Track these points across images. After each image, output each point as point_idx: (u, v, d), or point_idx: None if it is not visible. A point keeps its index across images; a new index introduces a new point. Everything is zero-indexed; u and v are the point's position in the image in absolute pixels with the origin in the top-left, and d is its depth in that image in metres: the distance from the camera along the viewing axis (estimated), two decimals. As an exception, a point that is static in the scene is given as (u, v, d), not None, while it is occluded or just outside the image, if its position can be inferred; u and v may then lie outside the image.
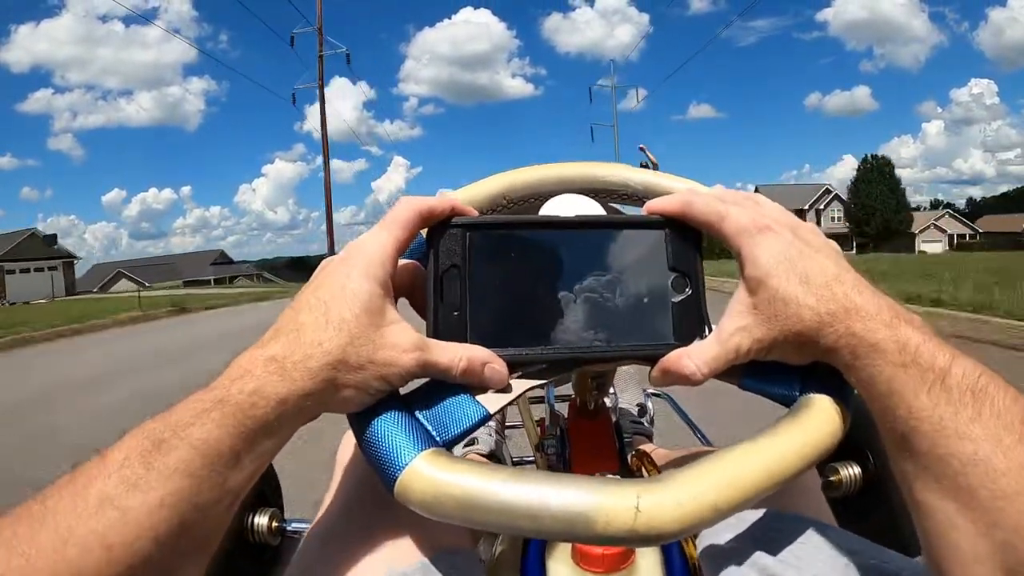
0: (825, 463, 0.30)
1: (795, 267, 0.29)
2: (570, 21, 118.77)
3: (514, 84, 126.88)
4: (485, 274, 0.31)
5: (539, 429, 0.74)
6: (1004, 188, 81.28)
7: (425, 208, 0.31)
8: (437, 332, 0.30)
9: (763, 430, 0.29)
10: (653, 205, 0.33)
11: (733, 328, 0.30)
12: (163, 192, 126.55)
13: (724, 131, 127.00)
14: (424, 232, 0.32)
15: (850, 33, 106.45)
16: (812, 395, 0.30)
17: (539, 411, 0.82)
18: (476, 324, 0.31)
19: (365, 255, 0.30)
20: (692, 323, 0.32)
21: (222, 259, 52.80)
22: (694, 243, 0.33)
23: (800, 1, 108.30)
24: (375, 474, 0.28)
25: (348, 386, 0.28)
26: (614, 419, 0.56)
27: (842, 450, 0.31)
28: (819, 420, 0.29)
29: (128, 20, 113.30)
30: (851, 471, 0.33)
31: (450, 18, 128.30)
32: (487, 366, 0.30)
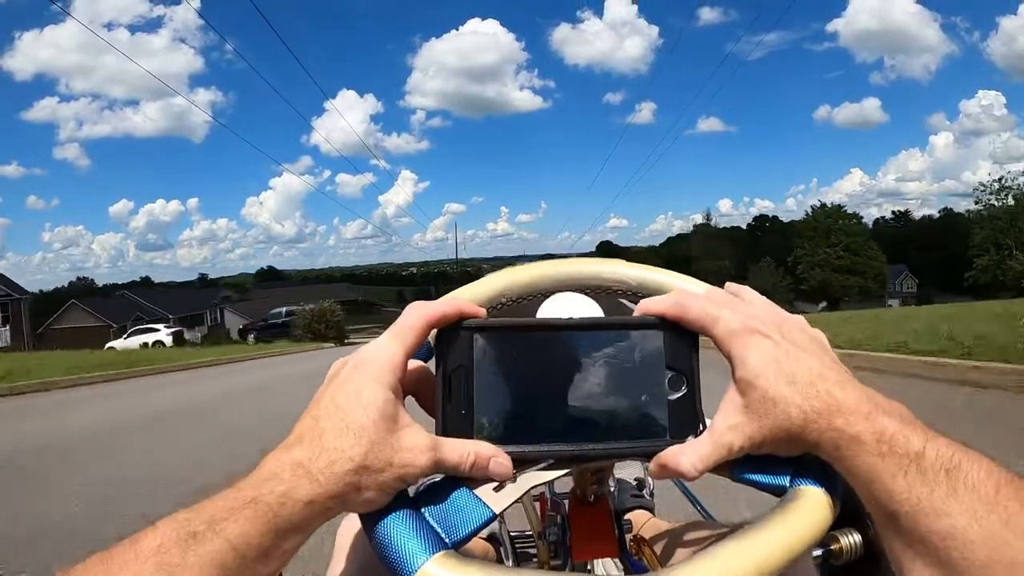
0: (826, 532, 0.31)
1: (782, 368, 0.31)
2: (579, 32, 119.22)
3: (522, 97, 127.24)
4: (490, 374, 0.33)
5: (539, 516, 0.77)
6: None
7: (435, 315, 0.33)
8: (445, 430, 0.32)
9: (755, 522, 0.31)
10: (648, 307, 0.34)
11: (725, 427, 0.32)
12: (170, 204, 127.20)
13: (733, 144, 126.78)
14: (432, 335, 0.34)
15: (860, 44, 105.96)
16: (801, 486, 0.32)
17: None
18: (482, 422, 0.32)
19: (377, 362, 0.32)
20: (688, 420, 0.33)
21: None
22: (690, 343, 0.34)
23: (810, 13, 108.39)
24: (381, 567, 0.30)
25: (370, 488, 0.30)
26: (612, 506, 0.59)
27: (842, 517, 0.32)
28: (807, 511, 0.31)
29: (133, 28, 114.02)
30: (852, 539, 0.33)
31: (457, 29, 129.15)
32: (493, 460, 0.32)
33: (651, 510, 0.85)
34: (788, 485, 0.33)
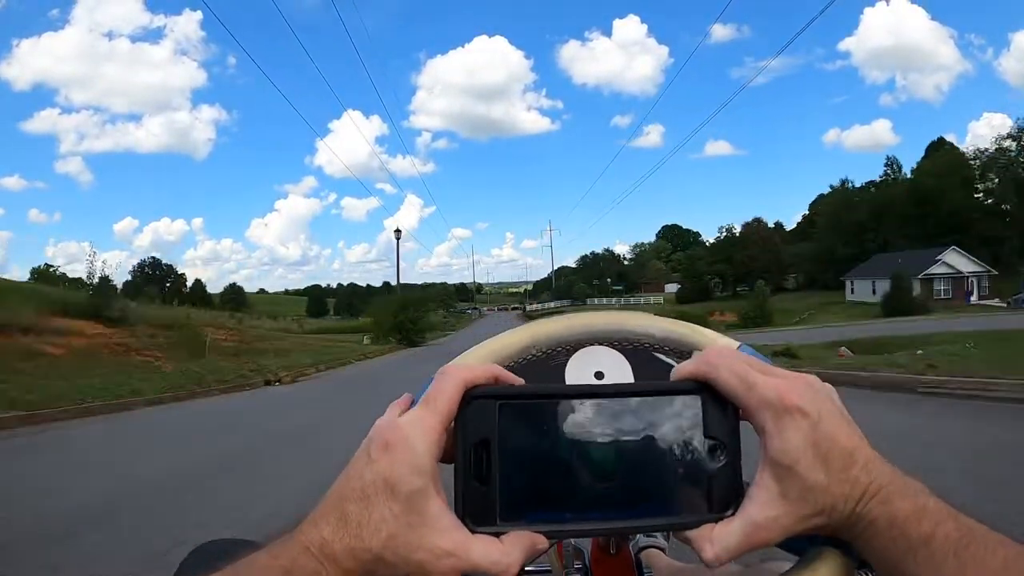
0: None
1: (819, 451, 0.30)
2: (588, 50, 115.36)
3: (529, 118, 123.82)
4: (516, 447, 0.31)
5: (559, 556, 0.75)
6: None
7: (470, 378, 0.32)
8: (466, 509, 0.31)
9: None
10: (683, 370, 0.33)
11: (763, 519, 0.30)
12: (175, 223, 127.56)
13: (742, 168, 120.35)
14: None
15: (872, 63, 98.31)
16: (820, 547, 0.32)
17: None
18: (507, 500, 0.31)
19: (409, 444, 0.30)
20: (727, 493, 0.32)
21: None
22: (731, 409, 0.32)
23: (820, 34, 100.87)
24: None
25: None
26: (633, 553, 0.61)
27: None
28: (827, 572, 0.31)
29: (134, 38, 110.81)
30: None
31: (464, 46, 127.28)
32: (529, 550, 0.30)
33: (663, 550, 0.85)
34: (807, 545, 0.32)
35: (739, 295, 58.92)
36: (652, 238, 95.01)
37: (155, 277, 69.36)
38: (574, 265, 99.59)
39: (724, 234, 67.01)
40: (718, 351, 0.34)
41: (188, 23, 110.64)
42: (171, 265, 76.22)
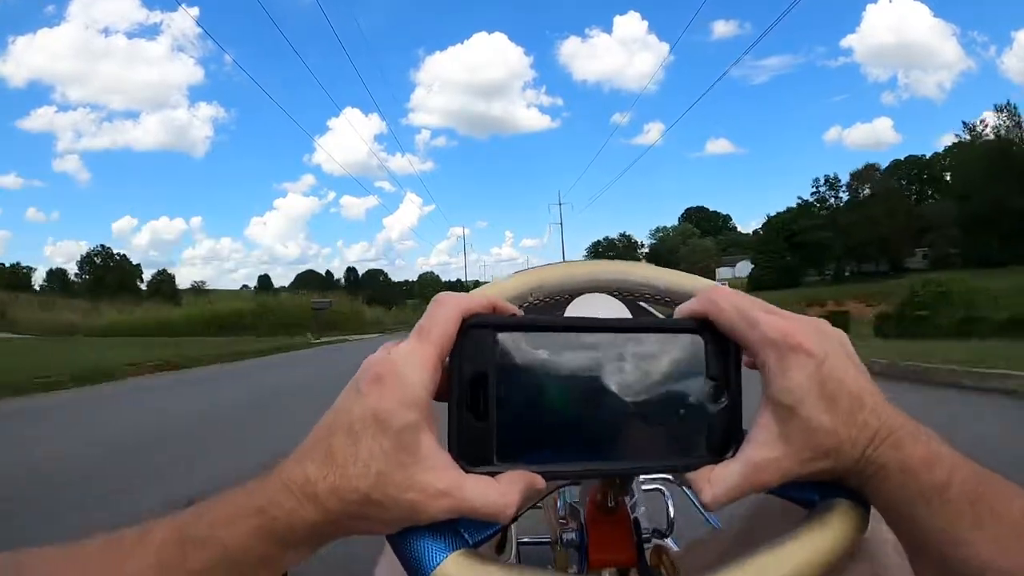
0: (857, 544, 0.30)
1: (824, 392, 0.28)
2: (588, 47, 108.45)
3: (529, 115, 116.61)
4: (514, 381, 0.29)
5: (558, 518, 0.73)
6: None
7: (468, 307, 0.29)
8: (460, 445, 0.29)
9: (785, 535, 0.29)
10: (684, 308, 0.32)
11: (761, 459, 0.29)
12: (174, 221, 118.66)
13: (743, 166, 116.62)
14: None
15: (874, 60, 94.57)
16: (832, 499, 0.30)
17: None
18: (503, 436, 0.29)
19: (401, 376, 0.27)
20: (727, 434, 0.31)
21: None
22: (733, 349, 0.31)
23: (820, 33, 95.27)
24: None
25: (373, 520, 0.27)
26: (633, 515, 0.57)
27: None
28: (839, 525, 0.30)
29: (130, 35, 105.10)
30: None
31: (463, 43, 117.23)
32: (526, 491, 0.29)
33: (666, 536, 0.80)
34: (817, 498, 0.31)
35: (841, 277, 48.37)
36: (675, 222, 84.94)
37: (108, 268, 61.85)
38: (580, 260, 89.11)
39: (823, 187, 52.14)
40: (721, 289, 0.32)
41: (184, 19, 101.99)
42: (124, 255, 67.93)
